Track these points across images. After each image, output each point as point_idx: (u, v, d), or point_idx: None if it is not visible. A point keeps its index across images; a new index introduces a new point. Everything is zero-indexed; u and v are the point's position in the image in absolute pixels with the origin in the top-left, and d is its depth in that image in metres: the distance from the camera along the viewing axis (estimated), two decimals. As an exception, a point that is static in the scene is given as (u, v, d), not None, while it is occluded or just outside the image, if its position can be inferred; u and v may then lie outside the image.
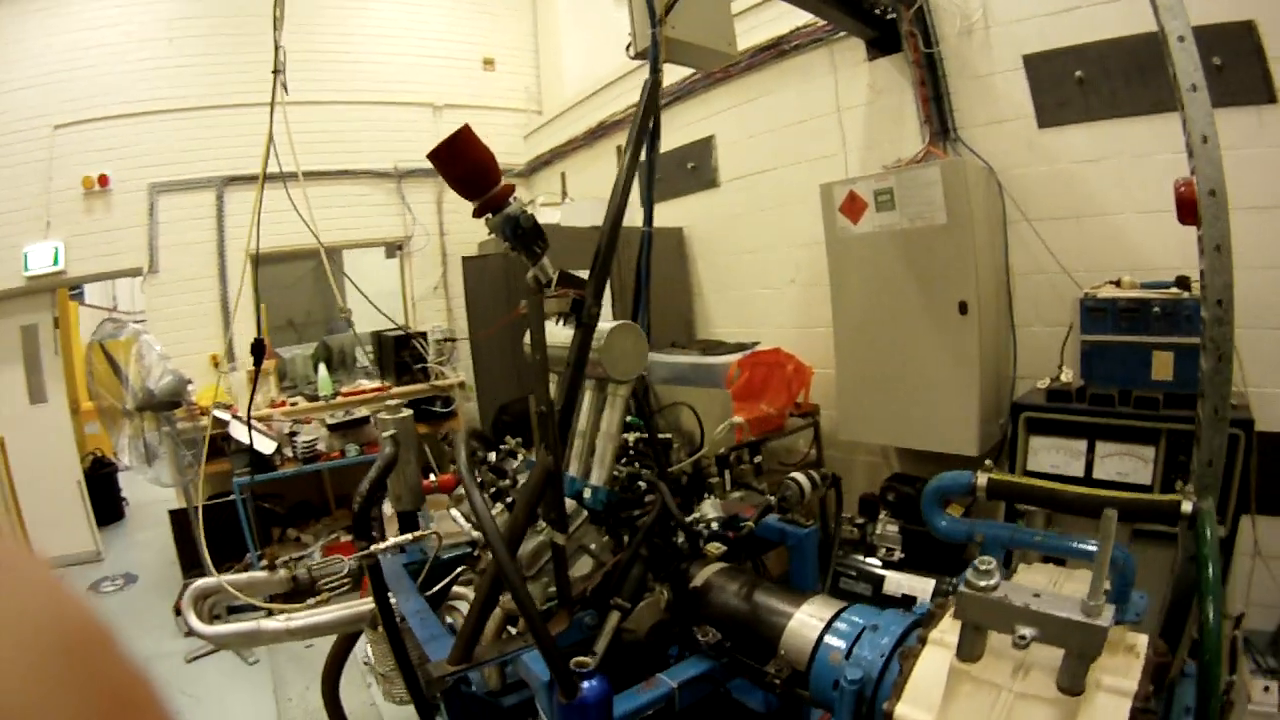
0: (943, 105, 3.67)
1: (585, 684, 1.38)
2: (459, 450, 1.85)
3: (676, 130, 5.51)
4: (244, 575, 2.51)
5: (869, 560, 3.72)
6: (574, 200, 6.24)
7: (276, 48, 3.20)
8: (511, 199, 1.66)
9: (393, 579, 2.15)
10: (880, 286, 3.68)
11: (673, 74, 5.31)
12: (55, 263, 5.91)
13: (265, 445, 5.51)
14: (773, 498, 2.17)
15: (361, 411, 6.11)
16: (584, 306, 1.75)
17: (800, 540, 2.15)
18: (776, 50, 4.56)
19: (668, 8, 2.90)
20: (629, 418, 2.38)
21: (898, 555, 3.63)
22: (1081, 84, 3.22)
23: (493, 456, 2.36)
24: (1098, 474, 2.79)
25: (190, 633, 2.35)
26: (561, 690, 1.37)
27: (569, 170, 6.98)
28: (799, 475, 2.26)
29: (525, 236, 1.67)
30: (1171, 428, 2.60)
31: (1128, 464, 2.71)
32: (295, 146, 6.82)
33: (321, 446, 5.84)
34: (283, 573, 2.47)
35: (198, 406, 5.19)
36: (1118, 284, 2.83)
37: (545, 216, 5.78)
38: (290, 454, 5.74)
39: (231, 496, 5.25)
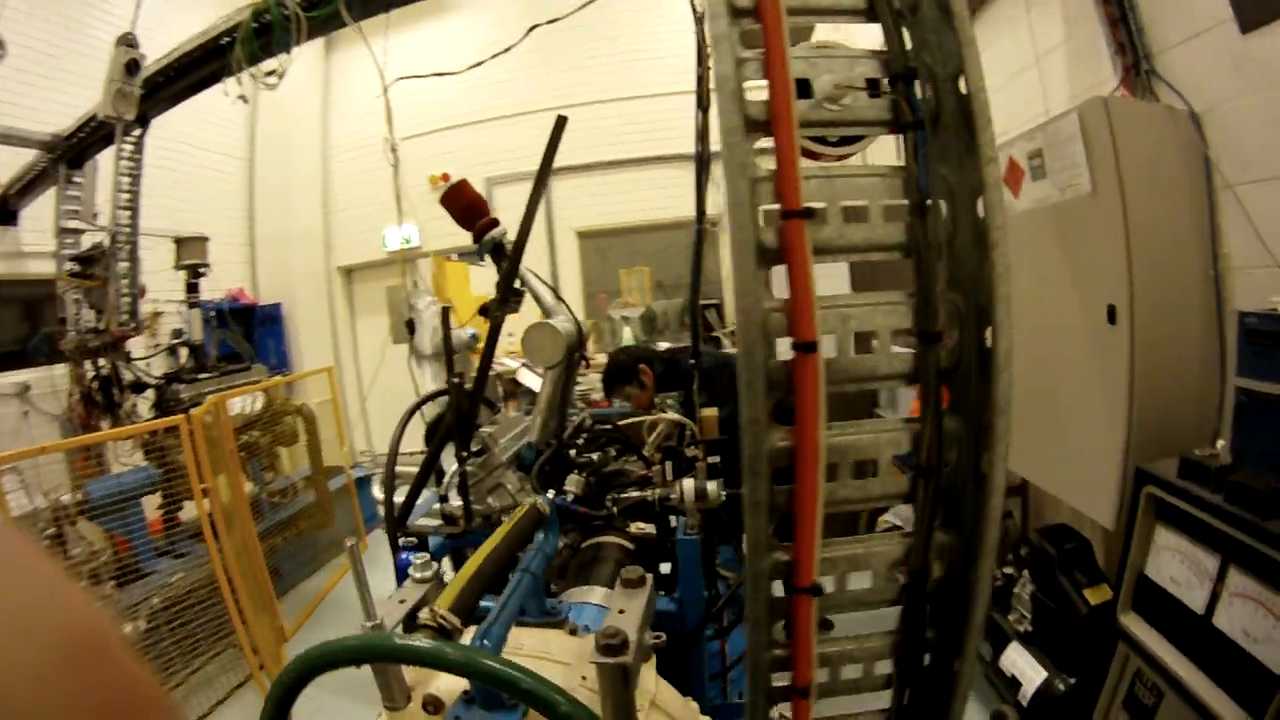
0: (1129, 25, 2.67)
1: (403, 554, 1.90)
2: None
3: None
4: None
5: (1005, 618, 3.07)
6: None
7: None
8: (494, 228, 2.33)
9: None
10: (1037, 278, 2.90)
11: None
12: (409, 241, 7.70)
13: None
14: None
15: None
16: (490, 309, 2.26)
17: (680, 547, 2.07)
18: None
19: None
20: (670, 401, 2.84)
21: (1024, 626, 2.92)
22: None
23: None
24: (1219, 621, 1.81)
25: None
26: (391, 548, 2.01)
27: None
28: (687, 482, 2.16)
29: (496, 253, 2.35)
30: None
31: (1262, 624, 1.67)
32: (615, 137, 7.75)
33: (596, 396, 6.62)
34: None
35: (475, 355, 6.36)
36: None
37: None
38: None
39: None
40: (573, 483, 2.23)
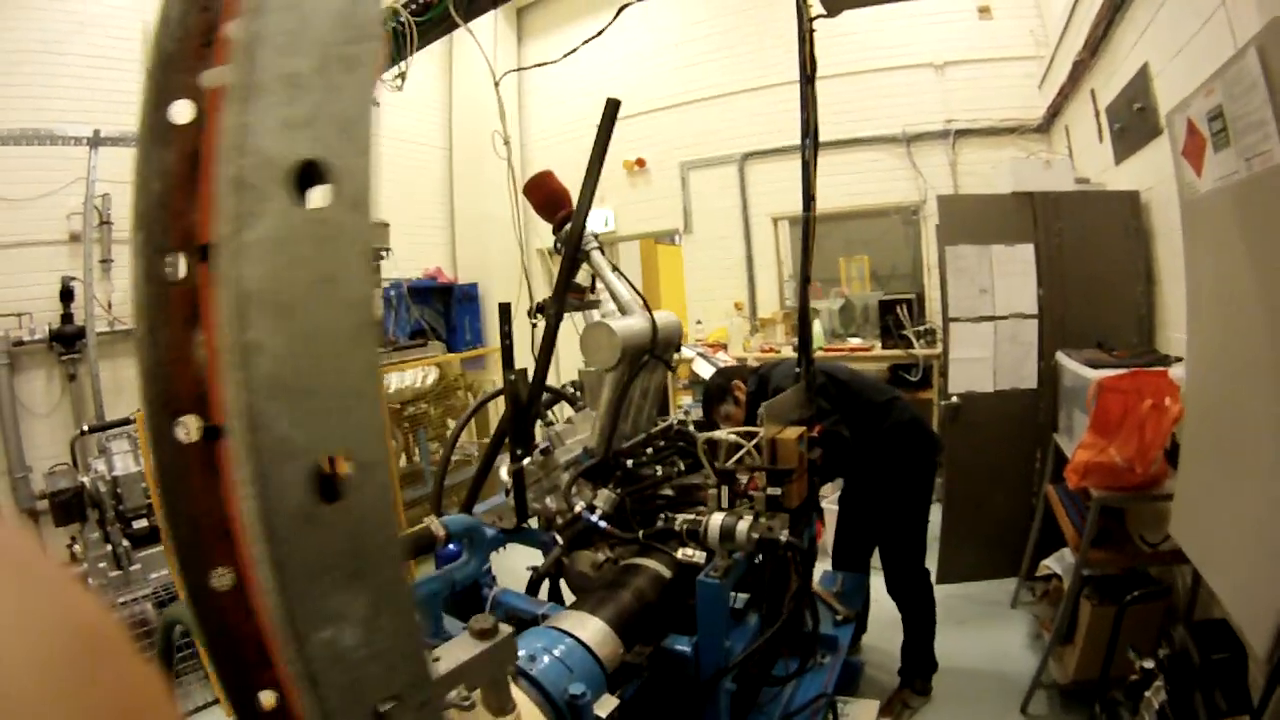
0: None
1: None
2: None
3: (1120, 62, 3.97)
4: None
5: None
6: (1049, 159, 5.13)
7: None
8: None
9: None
10: (1227, 287, 2.10)
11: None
12: (607, 225, 7.81)
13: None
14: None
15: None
16: (545, 307, 2.31)
17: (699, 589, 1.88)
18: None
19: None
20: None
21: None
22: None
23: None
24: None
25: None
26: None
27: (1071, 122, 5.60)
28: (715, 517, 1.91)
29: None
30: None
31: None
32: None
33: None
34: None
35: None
36: None
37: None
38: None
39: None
40: (603, 499, 2.10)
